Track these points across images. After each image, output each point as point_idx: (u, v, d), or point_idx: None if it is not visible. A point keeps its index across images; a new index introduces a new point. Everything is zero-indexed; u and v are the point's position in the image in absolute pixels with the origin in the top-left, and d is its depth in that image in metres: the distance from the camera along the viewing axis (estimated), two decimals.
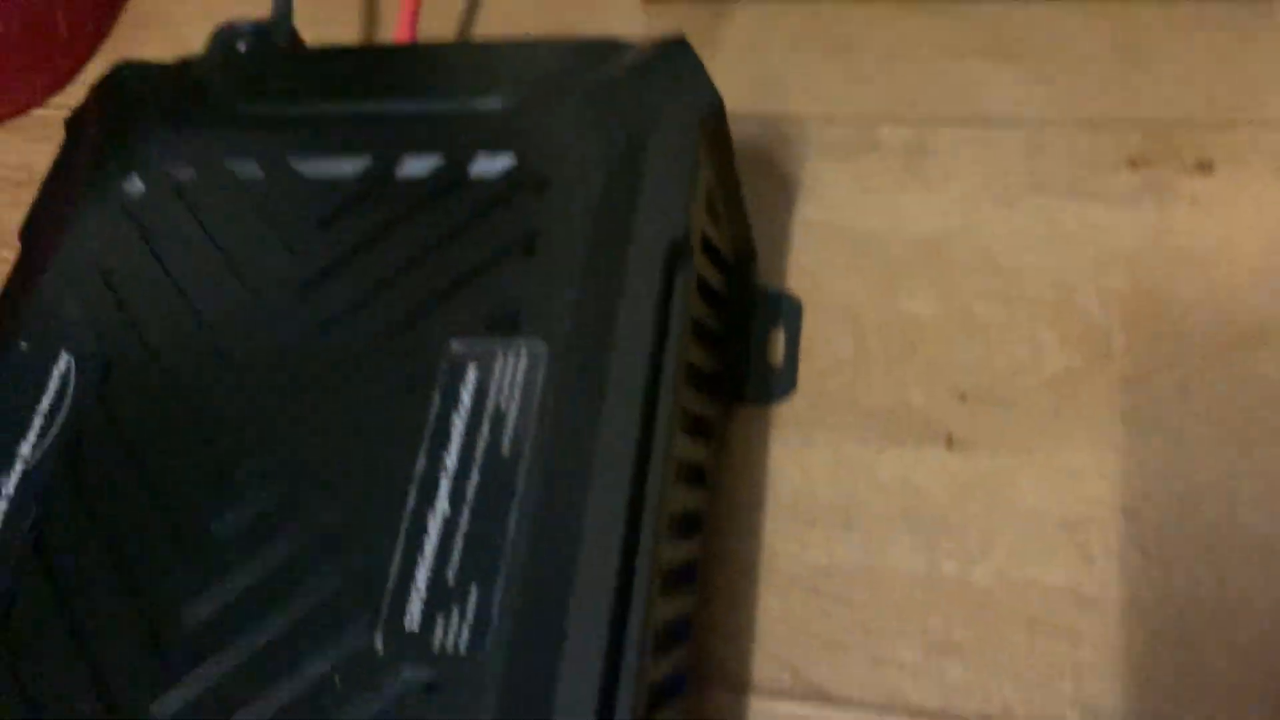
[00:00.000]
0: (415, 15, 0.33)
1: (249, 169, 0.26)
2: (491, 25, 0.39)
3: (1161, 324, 0.28)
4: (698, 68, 0.25)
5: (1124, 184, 0.30)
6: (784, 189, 0.32)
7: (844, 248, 0.31)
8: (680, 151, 0.24)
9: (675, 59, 0.26)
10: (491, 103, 0.26)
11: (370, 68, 0.28)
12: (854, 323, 0.29)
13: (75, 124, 0.28)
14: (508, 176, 0.24)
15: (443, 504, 0.20)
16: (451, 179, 0.25)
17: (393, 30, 0.37)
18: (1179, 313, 0.28)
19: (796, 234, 0.31)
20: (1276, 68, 0.31)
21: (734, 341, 0.29)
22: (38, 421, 0.23)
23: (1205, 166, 0.30)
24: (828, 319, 0.30)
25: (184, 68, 0.29)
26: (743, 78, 0.35)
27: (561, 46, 0.27)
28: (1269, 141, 0.30)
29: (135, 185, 0.26)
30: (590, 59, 0.26)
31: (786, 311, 0.30)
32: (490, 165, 0.25)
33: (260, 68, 0.29)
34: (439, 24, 0.38)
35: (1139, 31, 0.33)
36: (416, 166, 0.25)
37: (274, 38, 0.31)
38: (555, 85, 0.26)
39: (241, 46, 0.31)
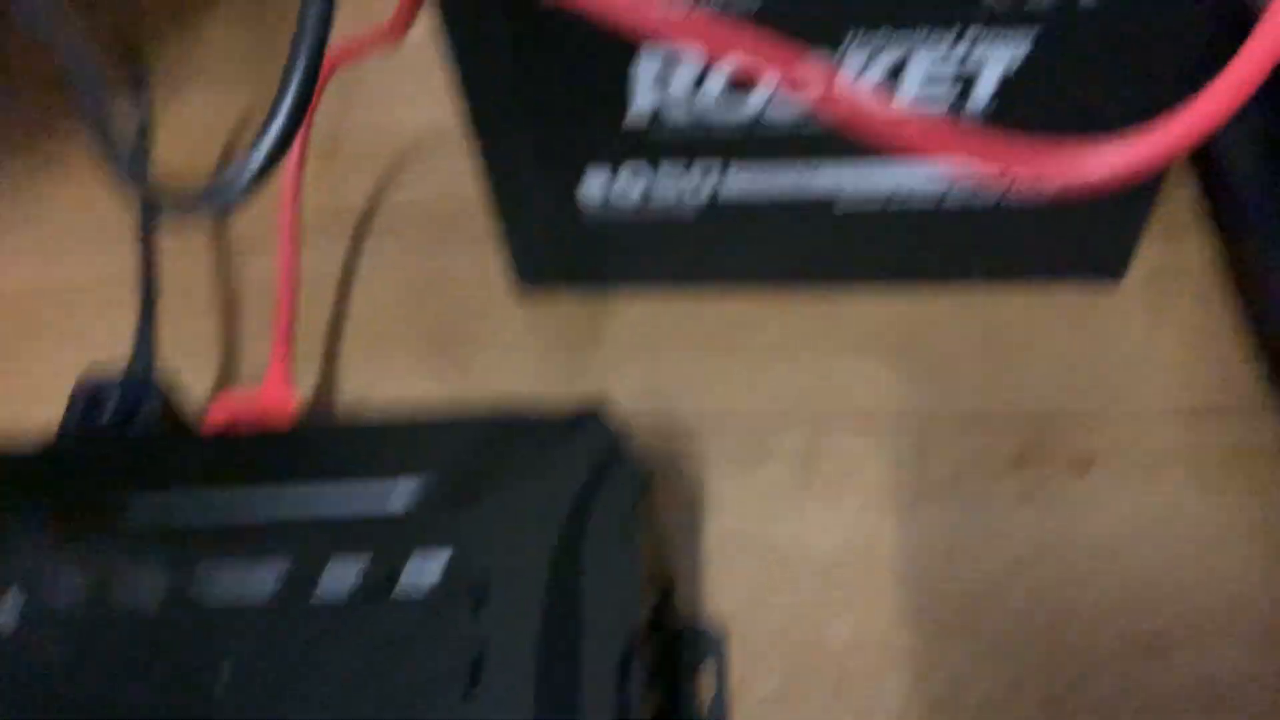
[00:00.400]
0: (289, 330, 0.32)
1: (142, 594, 0.24)
2: (363, 339, 0.38)
3: (1063, 635, 0.29)
4: (620, 445, 0.25)
5: (1011, 487, 0.31)
6: (689, 506, 0.32)
7: (758, 568, 0.31)
8: (620, 536, 0.24)
9: (594, 435, 0.26)
10: (412, 494, 0.25)
11: (265, 453, 0.26)
12: (780, 655, 0.29)
13: None
14: (445, 581, 0.23)
15: None
16: (379, 590, 0.23)
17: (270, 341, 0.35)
18: (1076, 625, 0.29)
19: (708, 555, 0.31)
20: (1141, 356, 0.34)
21: (660, 687, 0.29)
22: None
23: (1084, 464, 0.32)
24: (753, 651, 0.29)
25: (46, 454, 0.27)
26: (632, 379, 0.35)
27: (472, 425, 0.26)
28: (1140, 434, 0.32)
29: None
30: (505, 440, 0.26)
31: (710, 647, 0.29)
32: (423, 568, 0.24)
33: (137, 450, 0.27)
34: (308, 341, 0.37)
35: (1006, 326, 0.35)
36: (339, 576, 0.24)
37: (142, 399, 0.29)
38: (478, 473, 0.25)
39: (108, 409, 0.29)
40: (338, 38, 0.25)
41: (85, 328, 0.39)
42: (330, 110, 0.44)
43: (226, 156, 0.47)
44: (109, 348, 0.32)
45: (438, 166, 0.44)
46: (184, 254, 0.41)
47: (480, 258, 0.40)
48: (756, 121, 0.31)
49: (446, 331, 0.39)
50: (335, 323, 0.38)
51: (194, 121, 0.49)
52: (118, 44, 0.40)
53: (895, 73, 0.30)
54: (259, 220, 0.37)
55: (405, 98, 0.47)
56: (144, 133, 0.43)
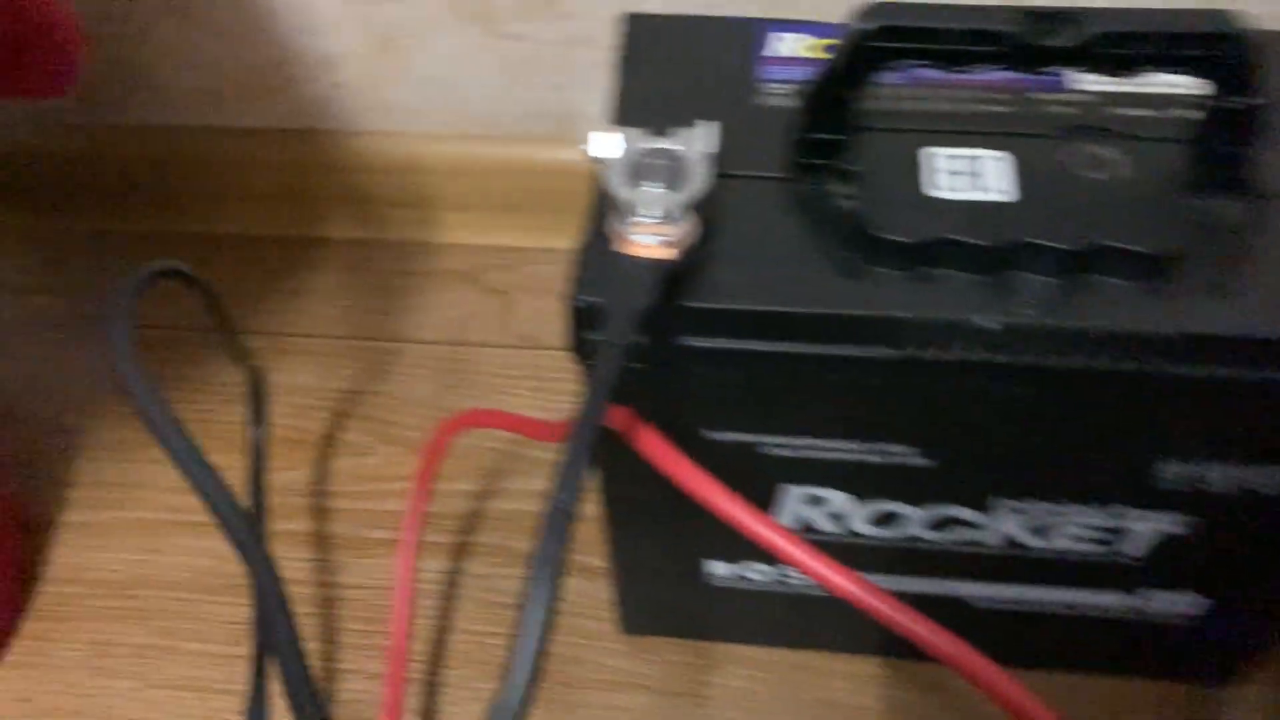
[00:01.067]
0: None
1: None
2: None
3: None
4: None
5: None
6: None
7: None
8: None
9: None
10: None
11: None
12: None
13: None
14: None
15: None
16: None
17: None
18: None
19: None
20: None
21: None
22: None
23: None
24: None
25: None
26: None
27: None
28: None
29: None
30: None
31: None
32: None
33: None
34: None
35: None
36: None
37: None
38: None
39: None
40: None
41: None
42: None
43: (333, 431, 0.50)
44: None
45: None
46: None
47: (590, 591, 0.42)
48: (891, 543, 0.33)
49: (550, 666, 0.40)
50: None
51: (303, 391, 0.52)
52: (234, 350, 0.43)
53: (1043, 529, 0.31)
54: None
55: None
56: (260, 454, 0.45)
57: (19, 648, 0.45)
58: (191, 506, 0.46)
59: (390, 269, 0.57)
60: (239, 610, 0.45)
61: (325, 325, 0.55)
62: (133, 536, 0.48)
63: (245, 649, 0.44)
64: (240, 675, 0.43)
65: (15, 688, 0.44)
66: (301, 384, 0.52)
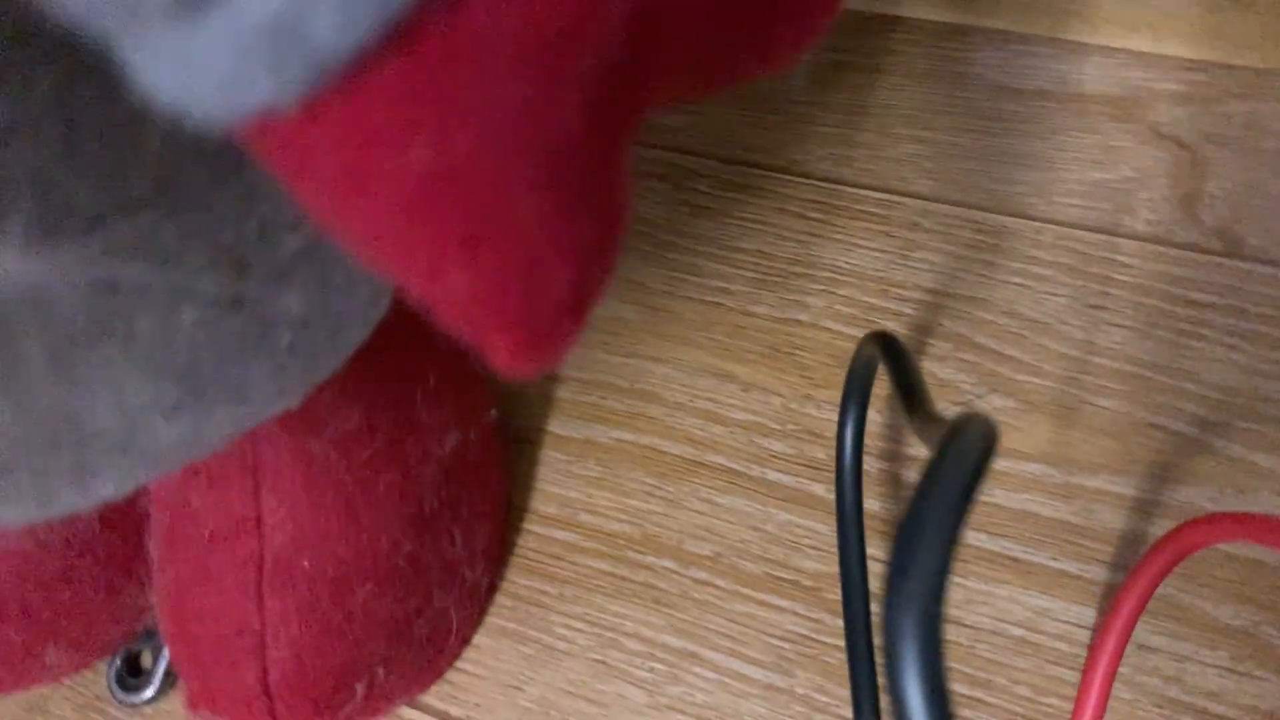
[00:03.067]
0: None
1: None
2: None
3: None
4: None
5: None
6: None
7: None
8: None
9: None
10: None
11: None
12: None
13: None
14: None
15: None
16: None
17: None
18: None
19: None
20: None
21: None
22: None
23: None
24: None
25: None
26: None
27: None
28: None
29: None
30: None
31: None
32: None
33: None
34: None
35: None
36: None
37: None
38: None
39: None
40: None
41: None
42: None
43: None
44: None
45: None
46: None
47: None
48: None
49: None
50: None
51: (851, 276, 0.36)
52: None
53: None
54: None
55: None
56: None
57: (502, 608, 0.35)
58: (719, 441, 0.33)
59: (991, 80, 0.38)
60: (785, 616, 0.33)
61: (894, 171, 0.37)
62: (638, 471, 0.35)
63: (799, 663, 0.32)
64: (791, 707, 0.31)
65: (505, 668, 0.34)
66: (847, 265, 0.36)
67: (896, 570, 0.14)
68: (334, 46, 0.08)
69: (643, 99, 0.11)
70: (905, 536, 0.14)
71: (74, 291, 0.13)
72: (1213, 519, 0.26)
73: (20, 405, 0.15)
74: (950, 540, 0.14)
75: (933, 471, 0.14)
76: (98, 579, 0.32)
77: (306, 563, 0.29)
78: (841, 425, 0.29)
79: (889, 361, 0.24)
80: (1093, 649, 0.30)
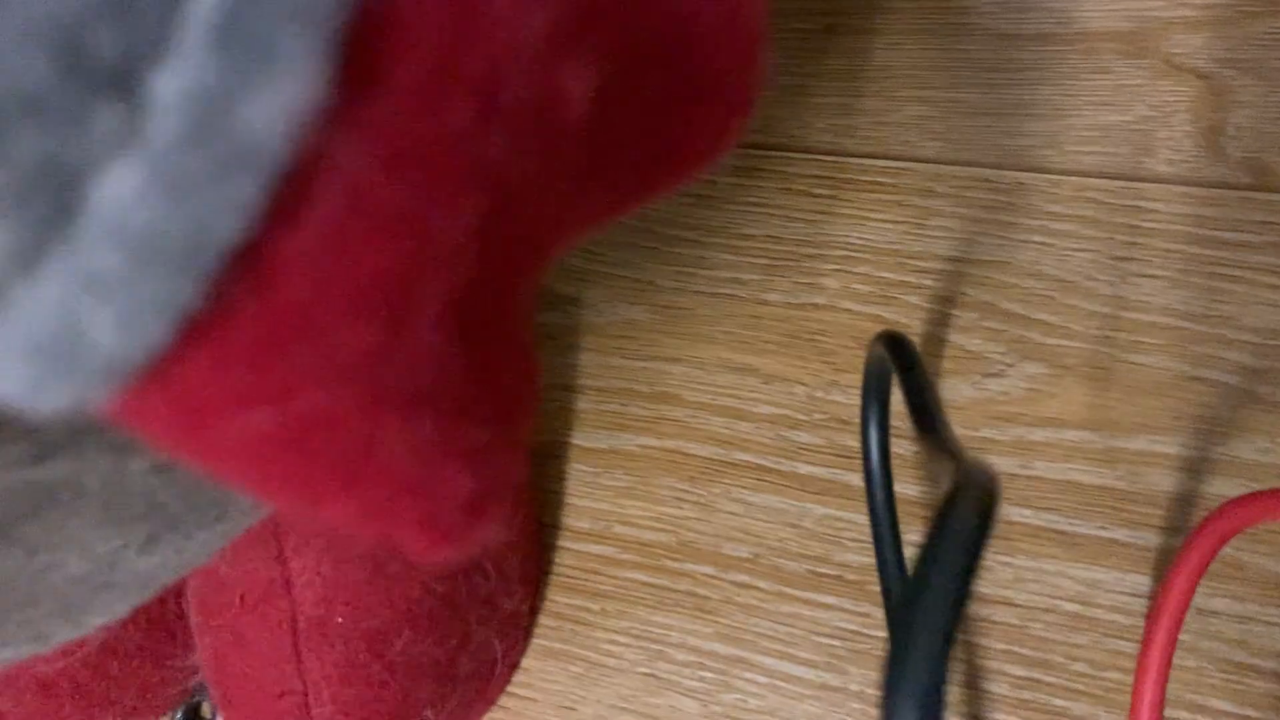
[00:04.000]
0: None
1: None
2: None
3: None
4: None
5: None
6: None
7: None
8: None
9: None
10: None
11: None
12: None
13: None
14: None
15: None
16: None
17: None
18: None
19: None
20: None
21: None
22: None
23: None
24: None
25: None
26: None
27: None
28: None
29: None
30: None
31: None
32: None
33: None
34: None
35: None
36: None
37: None
38: None
39: None
40: None
41: None
42: None
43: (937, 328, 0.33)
44: None
45: None
46: None
47: None
48: None
49: None
50: None
51: (862, 250, 0.35)
52: None
53: None
54: None
55: None
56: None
57: (546, 629, 0.35)
58: (746, 438, 0.32)
59: (991, 28, 0.36)
60: (832, 613, 0.32)
61: (897, 137, 0.36)
62: (667, 477, 0.35)
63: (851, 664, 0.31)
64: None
65: (556, 689, 0.34)
66: (860, 240, 0.35)
67: (895, 656, 0.13)
68: (121, 350, 0.08)
69: (524, 267, 0.10)
70: (902, 619, 0.13)
71: (3, 484, 0.12)
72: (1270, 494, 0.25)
73: None
74: (950, 623, 0.13)
75: (930, 548, 0.14)
76: (143, 648, 0.32)
77: (340, 619, 0.29)
78: (865, 429, 0.28)
79: (899, 367, 0.23)
80: (1150, 618, 0.29)
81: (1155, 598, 0.29)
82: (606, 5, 0.09)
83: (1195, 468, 0.30)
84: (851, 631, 0.32)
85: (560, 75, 0.08)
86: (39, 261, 0.07)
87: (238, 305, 0.08)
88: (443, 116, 0.08)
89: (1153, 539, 0.30)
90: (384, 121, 0.08)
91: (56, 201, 0.07)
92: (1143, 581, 0.30)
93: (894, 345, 0.24)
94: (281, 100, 0.07)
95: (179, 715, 0.36)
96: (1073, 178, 0.33)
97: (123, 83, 0.07)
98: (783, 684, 0.32)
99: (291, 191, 0.07)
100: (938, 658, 0.13)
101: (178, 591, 0.33)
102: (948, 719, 0.26)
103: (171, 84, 0.07)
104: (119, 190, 0.07)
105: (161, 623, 0.33)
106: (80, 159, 0.07)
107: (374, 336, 0.08)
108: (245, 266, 0.08)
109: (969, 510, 0.14)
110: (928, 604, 0.13)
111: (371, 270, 0.08)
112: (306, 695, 0.29)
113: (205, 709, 0.37)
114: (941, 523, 0.14)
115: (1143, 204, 0.33)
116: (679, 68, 0.10)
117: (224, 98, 0.07)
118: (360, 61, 0.07)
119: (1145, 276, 0.32)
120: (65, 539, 0.15)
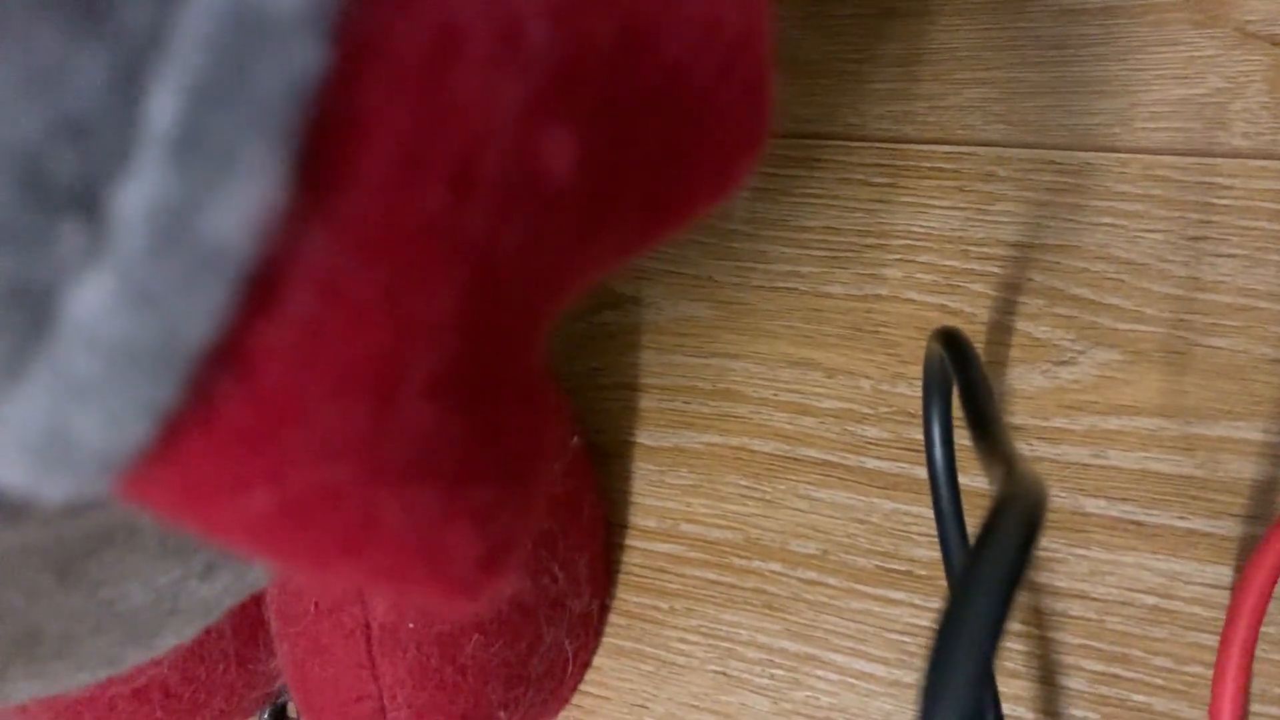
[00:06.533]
0: None
1: None
2: None
3: None
4: None
5: None
6: None
7: None
8: None
9: None
10: None
11: None
12: None
13: None
14: None
15: None
16: None
17: None
18: None
19: None
20: None
21: None
22: None
23: None
24: None
25: None
26: None
27: None
28: None
29: None
30: None
31: None
32: None
33: None
34: None
35: None
36: None
37: None
38: None
39: None
40: None
41: None
42: None
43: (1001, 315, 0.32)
44: None
45: None
46: None
47: None
48: None
49: None
50: None
51: (927, 236, 0.35)
52: None
53: None
54: None
55: None
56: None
57: (617, 628, 0.35)
58: (811, 434, 0.32)
59: (1052, 3, 0.35)
60: (902, 609, 0.32)
61: (958, 121, 0.35)
62: (732, 474, 0.35)
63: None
64: None
65: (628, 687, 0.34)
66: (922, 228, 0.34)
67: (932, 683, 0.13)
68: (109, 447, 0.08)
69: (525, 324, 0.10)
70: (939, 650, 0.13)
71: (62, 534, 0.13)
72: None
73: (48, 614, 0.15)
74: (988, 654, 0.13)
75: (968, 570, 0.13)
76: (228, 653, 0.33)
77: (411, 624, 0.30)
78: (927, 424, 0.28)
79: (955, 367, 0.23)
80: (1231, 610, 0.28)
81: (1236, 589, 0.28)
82: (586, 68, 0.09)
83: (1277, 453, 0.29)
84: (922, 627, 0.31)
85: (541, 143, 0.08)
86: (22, 371, 0.07)
87: (222, 396, 0.08)
88: (415, 202, 0.08)
89: (1234, 528, 0.29)
90: (353, 213, 0.08)
91: (31, 316, 0.07)
92: (1224, 572, 0.29)
93: (950, 342, 0.23)
94: (244, 205, 0.07)
95: (265, 716, 0.38)
96: (1142, 156, 0.32)
97: (85, 200, 0.07)
98: (854, 681, 0.32)
99: (263, 287, 0.08)
100: (975, 685, 0.13)
101: (258, 598, 0.34)
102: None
103: (134, 198, 0.07)
104: (91, 302, 0.07)
105: (245, 628, 0.34)
106: (49, 276, 0.07)
107: (363, 414, 0.08)
108: (224, 360, 0.08)
109: (1010, 531, 0.13)
110: (966, 628, 0.13)
111: (352, 354, 0.08)
112: (382, 699, 0.30)
113: (290, 709, 0.38)
114: (981, 543, 0.13)
115: (1217, 180, 0.31)
116: (675, 114, 0.10)
117: (186, 208, 0.07)
118: (324, 157, 0.08)
119: (1221, 256, 0.31)
120: (126, 573, 0.15)
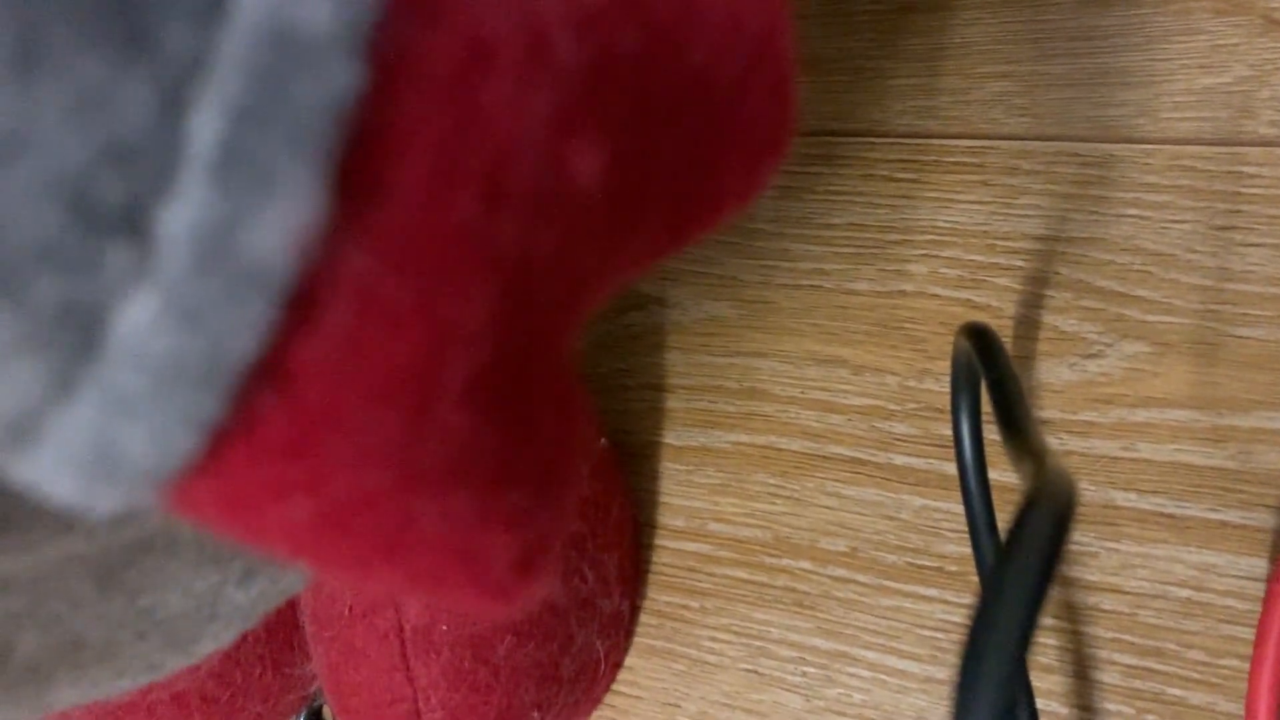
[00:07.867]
0: None
1: None
2: None
3: None
4: None
5: None
6: None
7: None
8: None
9: None
10: None
11: None
12: None
13: None
14: None
15: None
16: None
17: None
18: None
19: None
20: None
21: None
22: None
23: None
24: None
25: None
26: None
27: None
28: None
29: None
30: None
31: None
32: None
33: None
34: None
35: None
36: None
37: None
38: None
39: None
40: None
41: None
42: None
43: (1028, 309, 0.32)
44: None
45: None
46: None
47: None
48: None
49: None
50: None
51: (950, 232, 0.35)
52: None
53: None
54: None
55: None
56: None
57: (648, 628, 0.35)
58: (839, 431, 0.32)
59: None
60: (933, 605, 0.31)
61: (978, 115, 0.35)
62: (760, 472, 0.35)
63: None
64: None
65: (660, 686, 0.34)
66: (947, 223, 0.34)
67: (965, 679, 0.13)
68: (155, 461, 0.08)
69: (557, 327, 0.10)
70: (971, 645, 0.13)
71: (104, 544, 0.13)
72: None
73: (90, 622, 0.15)
74: (1020, 649, 0.13)
75: (1000, 569, 0.13)
76: (264, 657, 0.34)
77: (444, 626, 0.30)
78: (956, 420, 0.28)
79: (983, 362, 0.23)
80: (1267, 601, 0.28)
81: (1272, 580, 0.28)
82: (612, 77, 0.09)
83: None
84: (954, 623, 0.31)
85: (570, 151, 0.09)
86: (72, 389, 0.08)
87: (263, 408, 0.08)
88: (448, 212, 0.08)
89: (1268, 519, 0.29)
90: (389, 224, 0.08)
91: (81, 335, 0.07)
92: (1258, 564, 0.29)
93: (978, 338, 0.23)
94: (284, 222, 0.07)
95: (303, 718, 0.38)
96: (1168, 146, 0.32)
97: (131, 223, 0.07)
98: (887, 678, 0.32)
99: (303, 302, 0.08)
100: (1008, 680, 0.13)
101: (292, 603, 0.34)
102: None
103: (177, 219, 0.07)
104: (137, 320, 0.08)
105: (280, 632, 0.34)
106: (98, 296, 0.07)
107: (399, 422, 0.09)
108: (266, 374, 0.08)
109: (1041, 526, 0.13)
110: (998, 624, 0.13)
111: (389, 363, 0.08)
112: (416, 702, 0.30)
113: (326, 713, 0.38)
114: (1012, 539, 0.13)
115: (1244, 169, 0.31)
116: (700, 117, 0.10)
117: (228, 227, 0.07)
118: (360, 172, 0.08)
119: (1250, 245, 0.31)
120: (165, 581, 0.16)
